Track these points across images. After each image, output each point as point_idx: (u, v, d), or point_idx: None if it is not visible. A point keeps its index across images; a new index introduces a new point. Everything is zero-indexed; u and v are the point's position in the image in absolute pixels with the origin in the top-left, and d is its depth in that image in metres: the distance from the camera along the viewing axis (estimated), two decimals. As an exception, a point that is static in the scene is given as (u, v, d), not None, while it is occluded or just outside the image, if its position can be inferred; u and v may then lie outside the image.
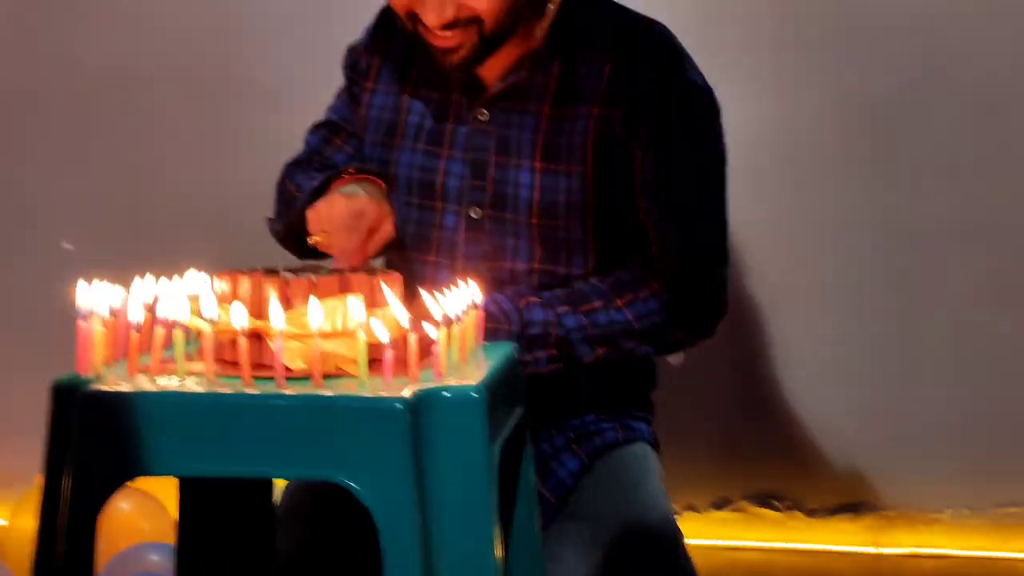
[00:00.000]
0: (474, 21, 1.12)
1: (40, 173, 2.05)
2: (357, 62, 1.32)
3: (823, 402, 1.93)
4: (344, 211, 1.13)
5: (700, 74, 1.24)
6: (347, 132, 1.33)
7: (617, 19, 1.23)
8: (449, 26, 1.12)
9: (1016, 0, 1.84)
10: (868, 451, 1.92)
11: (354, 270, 0.93)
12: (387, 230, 1.17)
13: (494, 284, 1.19)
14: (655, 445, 1.32)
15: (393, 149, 1.26)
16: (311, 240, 1.16)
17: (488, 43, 1.15)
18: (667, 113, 1.19)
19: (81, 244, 2.05)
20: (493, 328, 1.12)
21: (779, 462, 1.95)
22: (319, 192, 1.20)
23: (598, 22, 1.22)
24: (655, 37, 1.23)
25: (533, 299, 1.18)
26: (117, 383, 0.79)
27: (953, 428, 1.90)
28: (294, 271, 0.91)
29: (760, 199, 1.88)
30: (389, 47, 1.29)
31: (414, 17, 1.14)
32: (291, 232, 1.25)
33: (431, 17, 1.12)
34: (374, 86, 1.29)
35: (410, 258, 1.27)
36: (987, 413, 1.90)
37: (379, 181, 1.22)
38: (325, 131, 1.35)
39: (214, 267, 1.06)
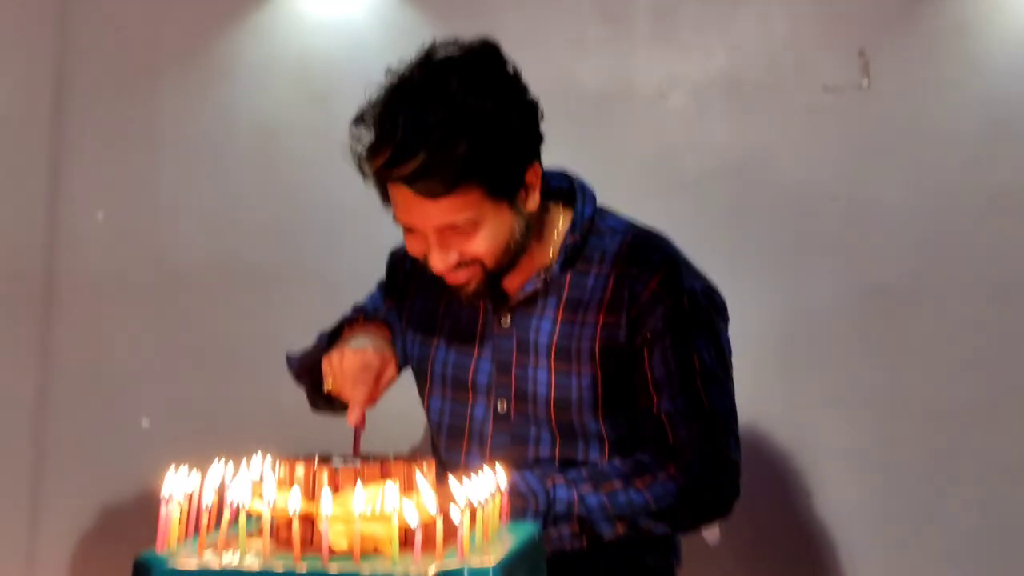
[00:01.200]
0: (476, 261, 1.28)
1: (124, 352, 2.26)
2: (396, 270, 1.52)
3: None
4: (353, 364, 1.29)
5: (699, 277, 1.37)
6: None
7: (620, 233, 1.38)
8: (455, 268, 1.28)
9: (1019, 191, 1.98)
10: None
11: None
12: (391, 376, 1.32)
13: (521, 469, 1.31)
14: (678, 622, 1.39)
15: (431, 348, 1.43)
16: (325, 386, 1.32)
17: (494, 276, 1.31)
18: (667, 317, 1.32)
19: (157, 421, 2.23)
20: (522, 506, 1.24)
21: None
22: (333, 336, 1.38)
23: (603, 237, 1.37)
24: (653, 249, 1.36)
25: (559, 479, 1.29)
26: (188, 560, 0.92)
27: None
28: (344, 458, 1.05)
29: (783, 380, 2.00)
30: (425, 266, 1.45)
31: (427, 259, 1.31)
32: (307, 373, 1.41)
33: (437, 265, 1.28)
34: (414, 297, 1.47)
35: (446, 446, 1.41)
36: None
37: (385, 329, 1.39)
38: (361, 314, 1.52)
39: (275, 446, 1.21)
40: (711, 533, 2.01)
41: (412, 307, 1.47)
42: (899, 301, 1.99)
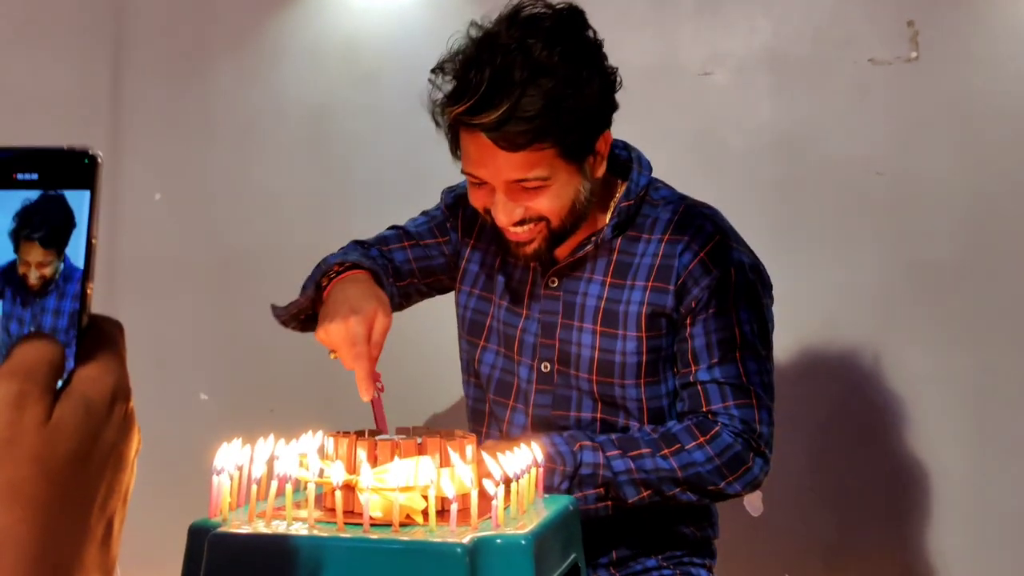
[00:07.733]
0: (542, 219, 1.30)
1: (182, 330, 2.34)
2: (456, 209, 1.49)
3: (903, 550, 1.98)
4: (343, 339, 1.22)
5: (747, 251, 1.39)
6: (414, 242, 1.50)
7: (671, 205, 1.40)
8: (519, 224, 1.31)
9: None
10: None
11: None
12: (381, 328, 1.24)
13: (561, 430, 1.35)
14: (714, 592, 1.42)
15: (490, 304, 1.45)
16: (332, 356, 1.26)
17: (557, 236, 1.33)
18: (713, 288, 1.34)
19: (214, 395, 2.31)
20: (550, 468, 1.27)
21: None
22: (317, 290, 1.33)
23: (656, 207, 1.39)
24: (703, 220, 1.38)
25: (586, 443, 1.31)
26: (238, 526, 0.98)
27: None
28: (390, 434, 1.10)
29: (828, 356, 1.99)
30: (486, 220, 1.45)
31: (489, 213, 1.33)
32: (293, 320, 1.39)
33: (501, 218, 1.30)
34: (475, 243, 1.48)
35: (493, 399, 1.44)
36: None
37: (366, 271, 1.32)
38: (400, 231, 1.51)
39: (326, 419, 1.25)
40: (753, 505, 2.03)
41: (470, 258, 1.48)
42: (946, 276, 1.98)
